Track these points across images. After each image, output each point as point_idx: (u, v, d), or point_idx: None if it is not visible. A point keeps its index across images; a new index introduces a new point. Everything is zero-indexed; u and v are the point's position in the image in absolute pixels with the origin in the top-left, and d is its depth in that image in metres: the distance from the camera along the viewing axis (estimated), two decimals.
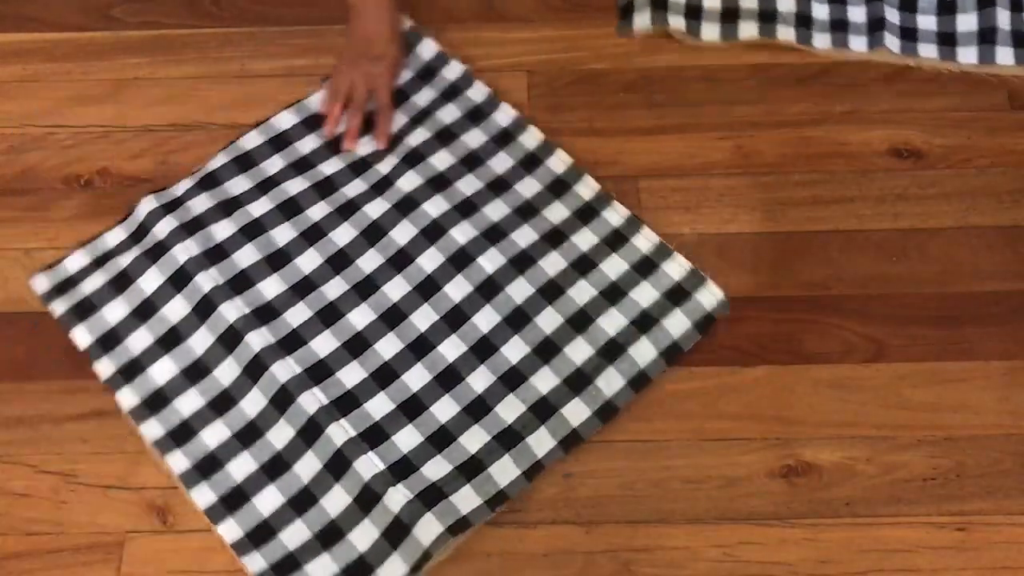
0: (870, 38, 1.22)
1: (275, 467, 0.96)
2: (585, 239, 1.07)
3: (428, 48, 1.21)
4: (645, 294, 1.04)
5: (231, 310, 1.02)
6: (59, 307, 1.04)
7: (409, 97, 1.18)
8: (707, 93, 1.19)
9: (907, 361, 1.01)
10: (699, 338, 1.01)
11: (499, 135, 1.15)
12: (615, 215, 1.08)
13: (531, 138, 1.14)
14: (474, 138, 1.15)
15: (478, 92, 1.18)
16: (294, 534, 0.93)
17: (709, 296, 1.03)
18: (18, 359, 1.03)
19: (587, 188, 1.10)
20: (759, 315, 1.04)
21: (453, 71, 1.20)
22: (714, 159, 1.14)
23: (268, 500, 0.94)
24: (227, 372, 1.00)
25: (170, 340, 1.02)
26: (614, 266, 1.05)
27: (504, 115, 1.16)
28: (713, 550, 0.92)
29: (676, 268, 1.05)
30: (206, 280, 1.04)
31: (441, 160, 1.12)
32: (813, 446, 0.97)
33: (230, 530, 0.93)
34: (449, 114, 1.17)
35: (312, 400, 0.98)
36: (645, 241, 1.07)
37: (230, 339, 1.01)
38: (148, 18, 1.27)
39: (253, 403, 0.99)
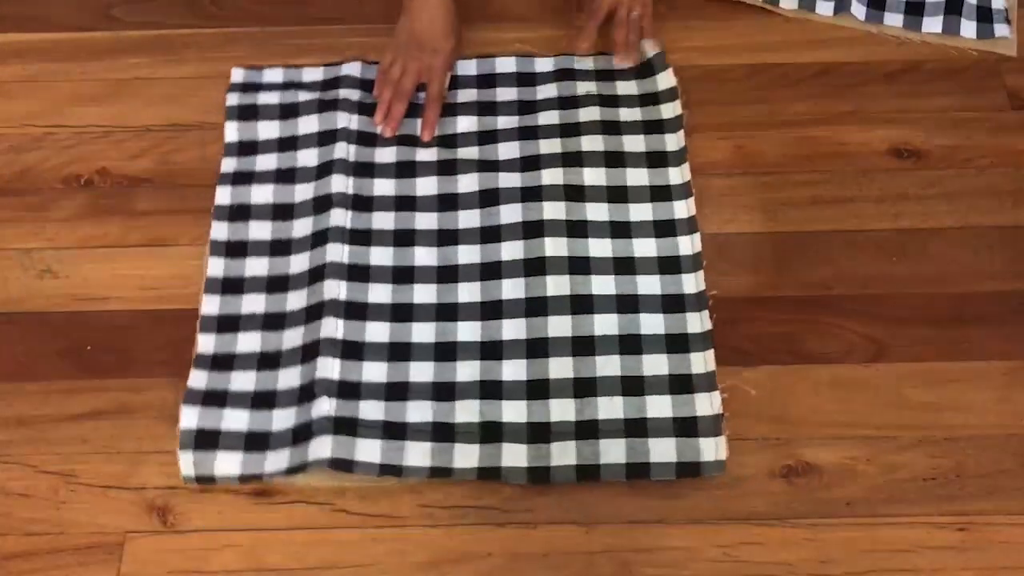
0: (837, 3, 1.24)
1: (272, 321, 1.03)
2: (652, 324, 1.01)
3: (651, 49, 1.19)
4: (658, 406, 0.96)
5: (340, 183, 1.09)
6: (233, 99, 1.17)
7: (614, 79, 1.18)
8: (707, 93, 1.19)
9: (907, 361, 1.01)
10: (672, 479, 0.94)
11: (657, 155, 1.12)
12: (697, 322, 1.01)
13: (677, 174, 1.10)
14: (634, 143, 1.12)
15: (670, 108, 1.15)
16: (242, 380, 0.99)
17: (711, 449, 0.94)
18: (18, 359, 1.03)
19: (693, 279, 1.04)
20: (759, 315, 1.04)
21: (665, 81, 1.17)
22: (714, 159, 1.14)
23: (248, 341, 1.02)
24: (301, 227, 1.08)
25: (285, 176, 1.12)
26: (654, 365, 0.99)
27: (674, 140, 1.13)
28: (713, 550, 0.92)
29: (705, 403, 0.96)
30: (342, 151, 1.11)
31: (593, 176, 1.10)
32: (813, 446, 0.97)
33: (205, 343, 1.01)
34: (631, 115, 1.15)
35: (334, 289, 1.02)
36: (701, 361, 0.98)
37: (322, 204, 1.08)
38: (148, 18, 1.27)
39: (299, 261, 1.06)
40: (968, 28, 1.22)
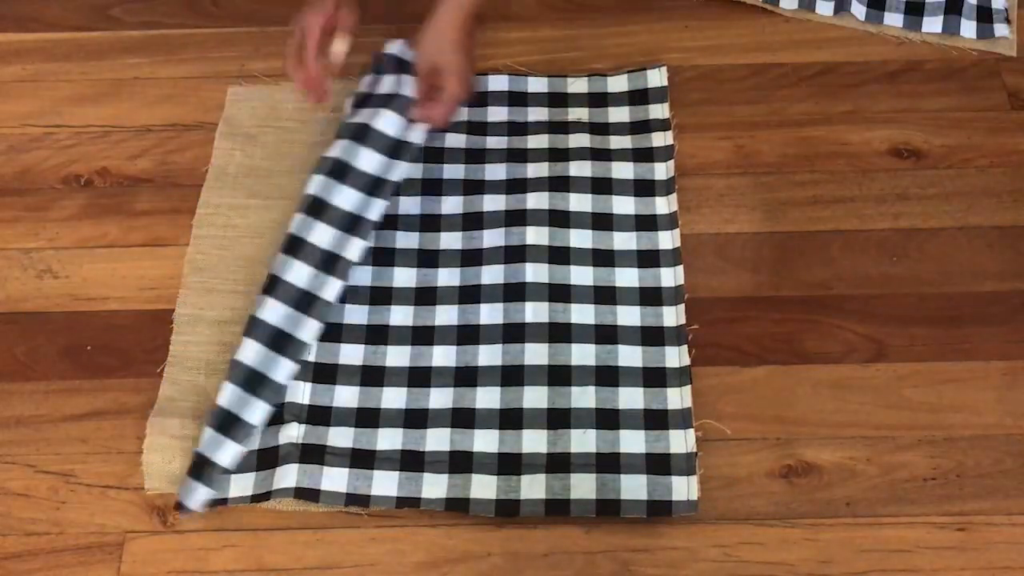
0: (837, 3, 1.24)
1: (253, 325, 0.99)
2: (629, 356, 0.99)
3: (657, 78, 1.18)
4: (631, 442, 0.95)
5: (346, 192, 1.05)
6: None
7: (607, 105, 1.16)
8: (707, 93, 1.19)
9: (907, 361, 1.01)
10: (643, 517, 0.92)
11: (645, 183, 1.10)
12: (675, 356, 0.99)
13: (664, 204, 1.09)
14: (622, 171, 1.11)
15: (661, 137, 1.14)
16: (220, 394, 0.96)
17: (683, 489, 0.92)
18: (18, 359, 1.03)
19: (674, 312, 1.02)
20: (759, 315, 1.04)
21: (657, 111, 1.16)
22: (714, 159, 1.14)
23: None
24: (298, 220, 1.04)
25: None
26: (630, 399, 0.97)
27: (663, 169, 1.11)
28: (713, 550, 0.92)
29: (680, 441, 0.94)
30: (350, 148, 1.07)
31: (579, 202, 1.08)
32: (813, 446, 0.97)
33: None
34: (621, 143, 1.13)
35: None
36: (677, 397, 0.97)
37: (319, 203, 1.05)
38: (148, 18, 1.27)
39: (299, 271, 1.01)
40: (968, 28, 1.22)
